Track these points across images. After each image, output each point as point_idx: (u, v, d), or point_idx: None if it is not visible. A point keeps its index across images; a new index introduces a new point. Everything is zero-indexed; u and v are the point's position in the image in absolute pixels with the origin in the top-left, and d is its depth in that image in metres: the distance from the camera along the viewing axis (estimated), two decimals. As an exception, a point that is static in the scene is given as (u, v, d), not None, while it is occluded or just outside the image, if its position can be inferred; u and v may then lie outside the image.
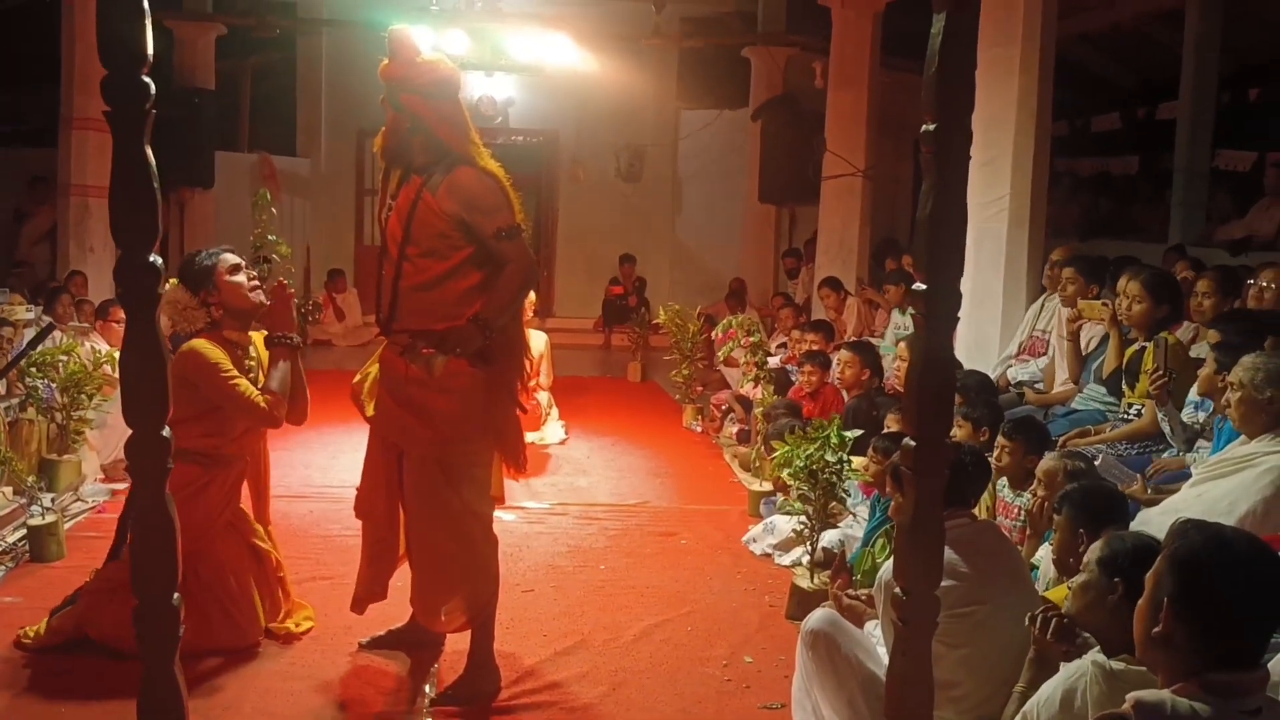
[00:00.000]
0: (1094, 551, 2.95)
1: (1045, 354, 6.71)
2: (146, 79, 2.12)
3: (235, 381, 4.43)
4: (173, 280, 4.69)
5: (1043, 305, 6.89)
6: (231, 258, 4.65)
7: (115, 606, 4.49)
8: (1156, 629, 2.22)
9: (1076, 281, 6.50)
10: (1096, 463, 4.90)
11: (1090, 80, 14.37)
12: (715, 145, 15.26)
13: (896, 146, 13.65)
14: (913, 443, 2.41)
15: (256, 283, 4.71)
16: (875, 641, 3.78)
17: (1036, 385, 6.67)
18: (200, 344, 4.51)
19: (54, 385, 6.62)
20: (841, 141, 10.82)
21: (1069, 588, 3.05)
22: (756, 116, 13.76)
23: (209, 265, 4.59)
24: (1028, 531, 4.65)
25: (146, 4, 2.09)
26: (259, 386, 4.57)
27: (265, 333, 4.69)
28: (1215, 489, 4.12)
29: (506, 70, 14.21)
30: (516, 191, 4.19)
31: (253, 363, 4.71)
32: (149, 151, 2.14)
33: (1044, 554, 4.24)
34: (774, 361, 8.93)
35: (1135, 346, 5.63)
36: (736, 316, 9.02)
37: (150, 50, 2.11)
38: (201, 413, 4.48)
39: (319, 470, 7.63)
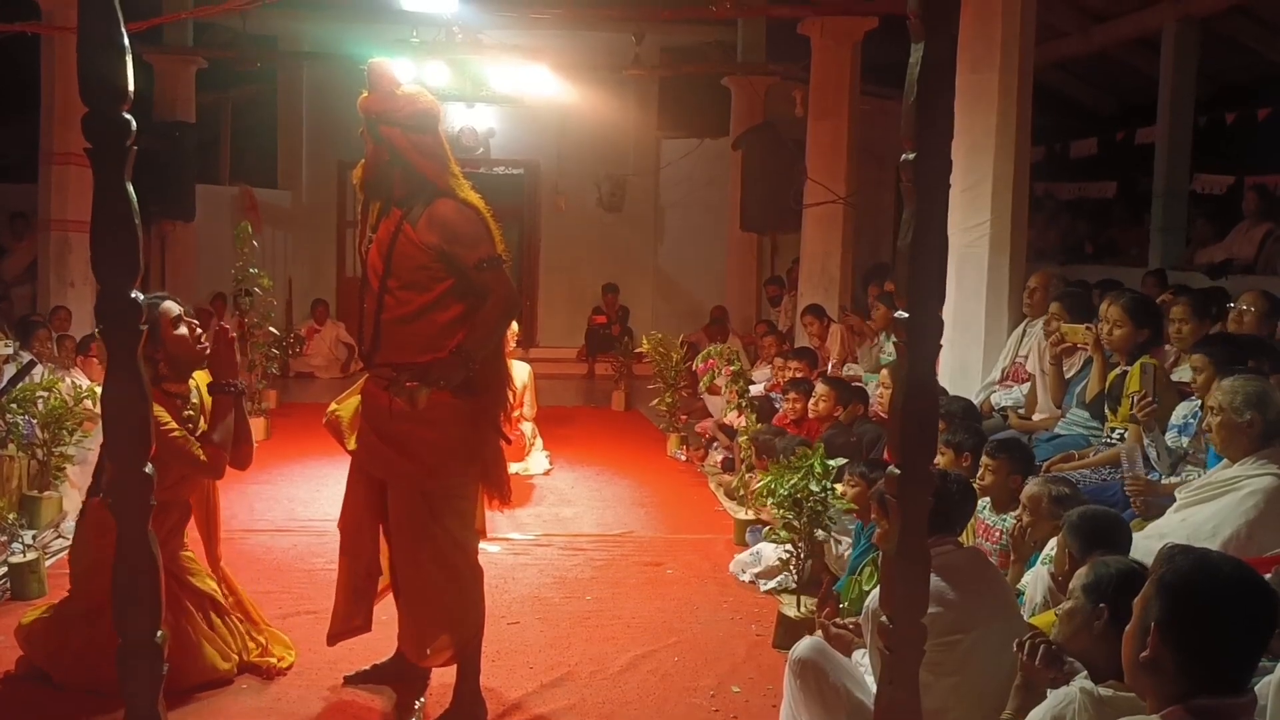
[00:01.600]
0: (1079, 577, 2.96)
1: (1028, 380, 6.72)
2: (127, 116, 2.12)
3: (176, 435, 4.36)
4: None
5: (1024, 331, 6.91)
6: (173, 308, 4.52)
7: (75, 646, 4.46)
8: (1144, 654, 2.22)
9: (1062, 317, 6.51)
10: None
11: (1067, 106, 14.48)
12: (696, 174, 15.31)
13: (878, 173, 13.69)
14: (897, 470, 2.41)
15: (200, 332, 4.61)
16: (864, 670, 3.77)
17: (1019, 411, 6.67)
18: None
19: (34, 421, 6.57)
20: (822, 169, 10.86)
21: (1056, 614, 3.05)
22: (737, 145, 13.80)
23: (151, 318, 4.39)
24: (1011, 556, 4.65)
25: (127, 41, 2.09)
26: (198, 435, 4.50)
27: (209, 379, 4.63)
28: (1199, 513, 4.13)
29: (487, 101, 14.28)
30: (498, 222, 4.20)
31: (192, 411, 4.62)
32: (130, 188, 2.14)
33: (1029, 579, 4.24)
34: (757, 389, 8.94)
35: (1117, 371, 5.64)
36: (716, 346, 9.02)
37: (131, 87, 2.11)
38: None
39: (302, 504, 7.59)
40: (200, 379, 4.68)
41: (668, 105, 15.66)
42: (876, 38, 10.88)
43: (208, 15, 11.97)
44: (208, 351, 4.57)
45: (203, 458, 4.39)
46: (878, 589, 3.57)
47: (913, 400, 2.39)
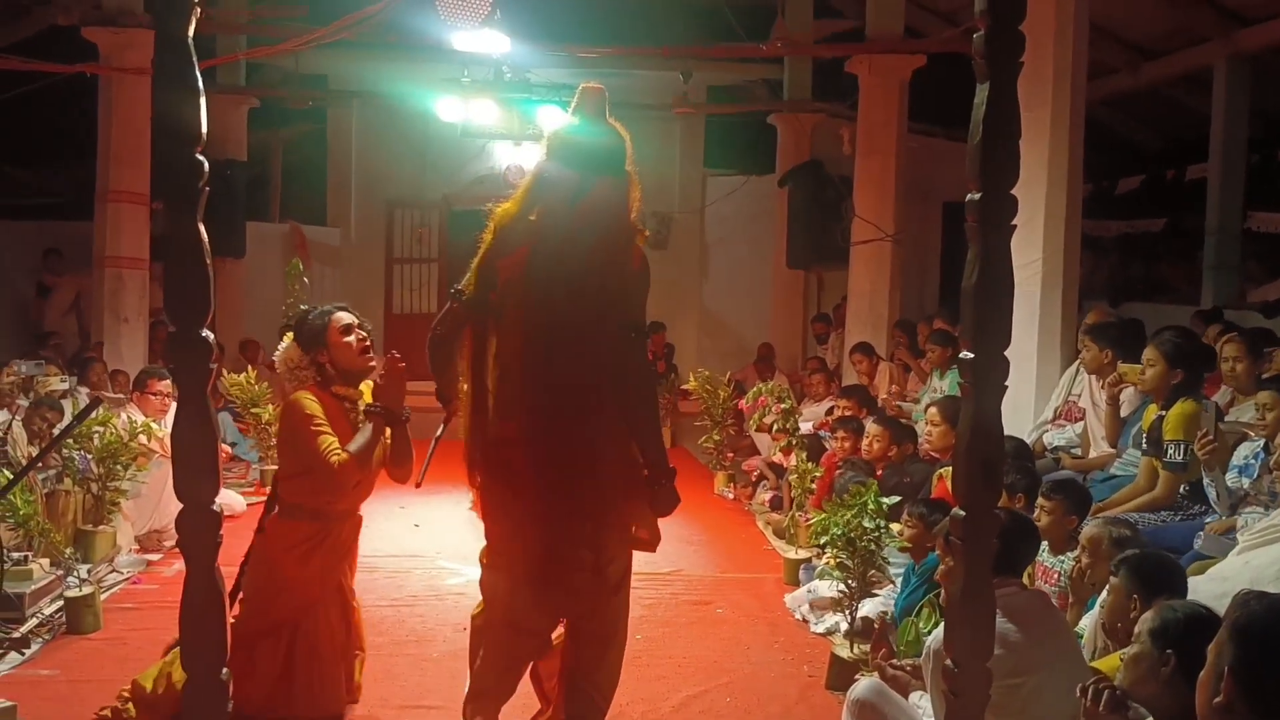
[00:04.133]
0: (1145, 622, 2.91)
1: (1081, 419, 6.66)
2: (200, 157, 2.15)
3: (320, 434, 4.30)
4: (288, 336, 4.64)
5: (1078, 370, 6.85)
6: (345, 317, 4.55)
7: (264, 668, 4.44)
8: (1217, 699, 2.19)
9: (1090, 349, 6.48)
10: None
11: (1116, 142, 14.42)
12: (742, 211, 15.30)
13: (924, 210, 13.66)
14: (961, 512, 2.39)
15: (368, 343, 4.59)
16: (921, 713, 3.73)
17: (1073, 450, 6.61)
18: (301, 395, 4.43)
19: (90, 456, 6.64)
20: (870, 207, 10.84)
21: (1120, 658, 3.00)
22: (783, 182, 13.82)
23: (320, 325, 4.50)
24: (1070, 599, 4.60)
25: (201, 84, 2.13)
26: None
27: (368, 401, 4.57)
28: (1262, 556, 4.07)
29: (535, 140, 14.35)
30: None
31: (356, 417, 4.55)
32: (201, 228, 2.17)
33: (1087, 622, 4.19)
34: (806, 428, 8.89)
35: (1154, 414, 5.55)
36: (766, 384, 9.00)
37: (204, 129, 2.15)
38: (308, 468, 4.36)
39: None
40: (367, 390, 4.62)
41: (714, 143, 15.67)
42: (923, 75, 10.88)
43: (261, 56, 12.14)
44: (371, 364, 4.58)
45: (332, 462, 4.26)
46: (939, 629, 3.54)
47: (977, 441, 2.37)
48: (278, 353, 4.69)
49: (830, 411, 9.60)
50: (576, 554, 3.68)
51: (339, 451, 4.30)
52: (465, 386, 3.77)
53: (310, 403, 4.39)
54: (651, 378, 3.93)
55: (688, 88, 13.63)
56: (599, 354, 3.63)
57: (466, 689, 3.99)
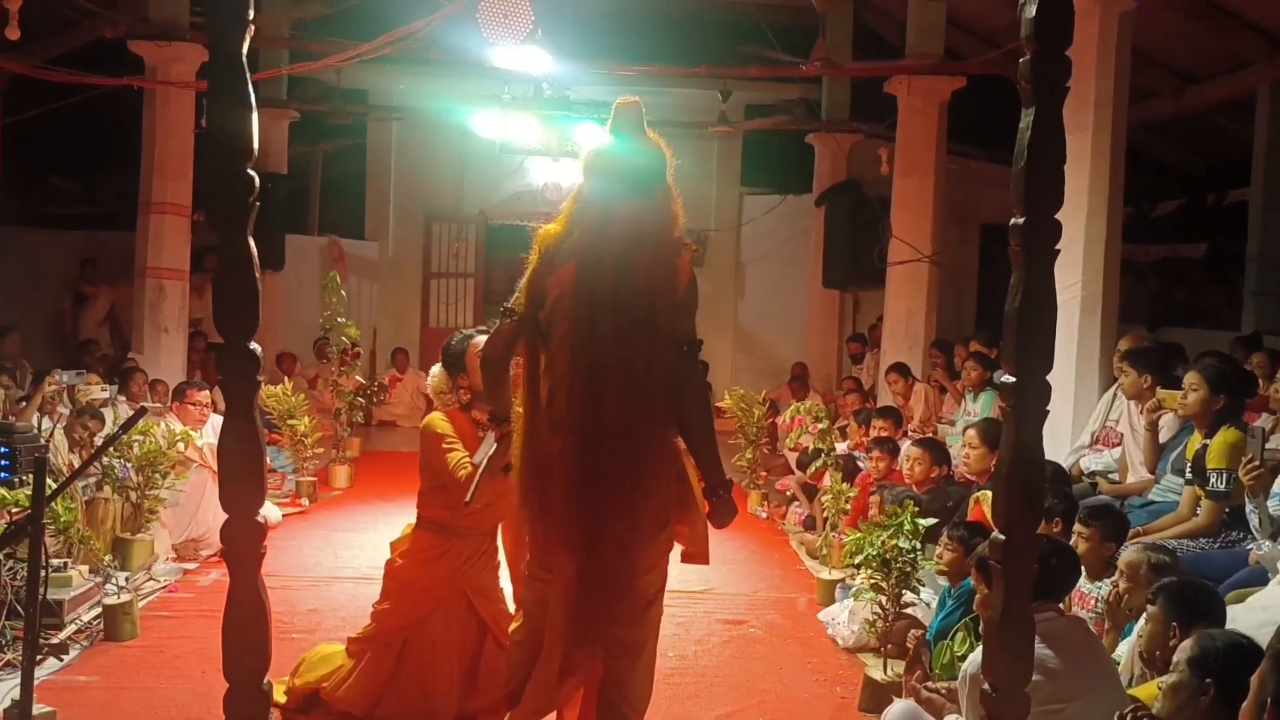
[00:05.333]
0: (1184, 650, 2.89)
1: (1119, 444, 6.61)
2: (251, 172, 2.18)
3: (450, 451, 4.47)
4: (439, 363, 4.74)
5: (1115, 395, 6.81)
6: (482, 340, 4.60)
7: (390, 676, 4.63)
8: (1259, 731, 2.18)
9: (1129, 374, 6.44)
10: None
11: (1156, 167, 14.33)
12: (779, 230, 15.31)
13: (961, 231, 13.62)
14: (1001, 536, 2.38)
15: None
16: (955, 737, 3.71)
17: (1110, 475, 6.56)
18: (435, 415, 4.62)
19: (129, 464, 6.69)
20: (908, 227, 10.81)
21: (1159, 686, 2.98)
22: (820, 202, 13.82)
23: (460, 350, 4.64)
24: (1105, 625, 4.56)
25: (254, 100, 2.15)
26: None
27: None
28: (1303, 585, 4.03)
29: (573, 156, 14.41)
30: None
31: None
32: (251, 243, 2.19)
33: (1124, 649, 4.16)
34: (841, 448, 8.86)
35: (1199, 443, 5.50)
36: (804, 403, 8.98)
37: (256, 145, 2.17)
38: (441, 485, 4.55)
39: (386, 551, 7.60)
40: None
41: (751, 161, 15.68)
42: (962, 97, 10.84)
43: (303, 71, 12.23)
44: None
45: (460, 476, 4.38)
46: (976, 652, 3.52)
47: (1018, 465, 2.37)
48: (430, 379, 4.83)
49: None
50: (613, 565, 3.67)
51: (467, 465, 4.41)
52: (519, 406, 3.77)
53: (442, 423, 4.58)
54: (705, 391, 3.91)
55: (726, 106, 13.64)
56: (648, 370, 3.62)
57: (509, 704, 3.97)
